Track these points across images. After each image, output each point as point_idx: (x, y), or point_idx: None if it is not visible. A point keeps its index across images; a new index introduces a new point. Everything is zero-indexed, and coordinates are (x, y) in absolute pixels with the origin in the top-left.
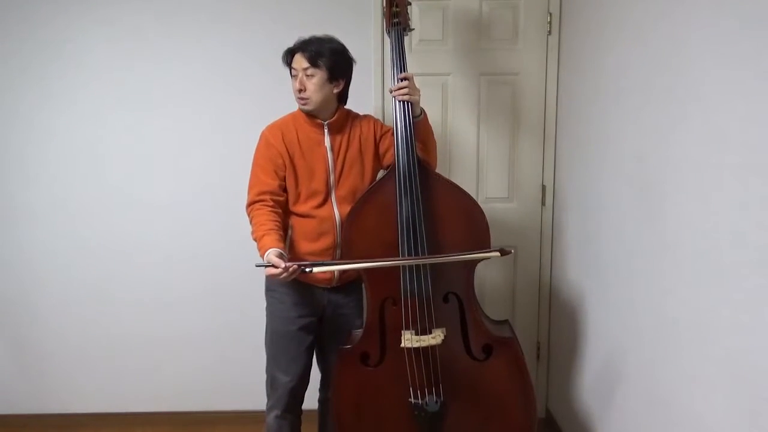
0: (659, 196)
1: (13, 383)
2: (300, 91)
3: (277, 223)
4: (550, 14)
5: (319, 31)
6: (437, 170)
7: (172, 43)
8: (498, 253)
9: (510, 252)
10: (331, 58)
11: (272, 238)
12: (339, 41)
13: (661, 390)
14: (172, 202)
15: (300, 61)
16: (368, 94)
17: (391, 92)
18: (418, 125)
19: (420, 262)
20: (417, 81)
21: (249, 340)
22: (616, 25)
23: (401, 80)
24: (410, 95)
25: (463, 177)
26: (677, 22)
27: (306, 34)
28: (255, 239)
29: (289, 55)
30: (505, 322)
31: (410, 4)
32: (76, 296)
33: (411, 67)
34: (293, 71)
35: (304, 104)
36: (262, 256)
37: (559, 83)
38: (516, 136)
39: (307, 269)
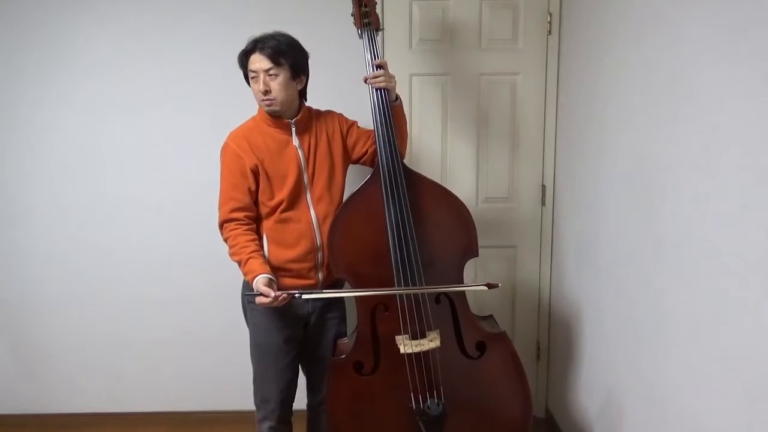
0: (658, 195)
1: (13, 383)
2: (266, 92)
3: (258, 244)
4: (550, 14)
5: (320, 30)
6: (419, 168)
7: (172, 43)
8: (485, 287)
9: (497, 285)
10: (291, 55)
11: (258, 262)
12: (291, 35)
13: (659, 390)
14: (172, 202)
15: (260, 62)
16: (364, 96)
17: (366, 81)
18: (395, 109)
19: (413, 291)
20: (417, 81)
21: (248, 340)
22: (615, 25)
23: (376, 68)
24: (386, 82)
25: (463, 177)
26: (676, 21)
27: (302, 34)
28: (237, 261)
29: (244, 57)
30: (491, 316)
31: (377, 3)
32: (76, 296)
33: (411, 67)
34: (252, 73)
35: (269, 105)
36: (248, 279)
37: (559, 83)
38: (516, 136)
39: (296, 295)
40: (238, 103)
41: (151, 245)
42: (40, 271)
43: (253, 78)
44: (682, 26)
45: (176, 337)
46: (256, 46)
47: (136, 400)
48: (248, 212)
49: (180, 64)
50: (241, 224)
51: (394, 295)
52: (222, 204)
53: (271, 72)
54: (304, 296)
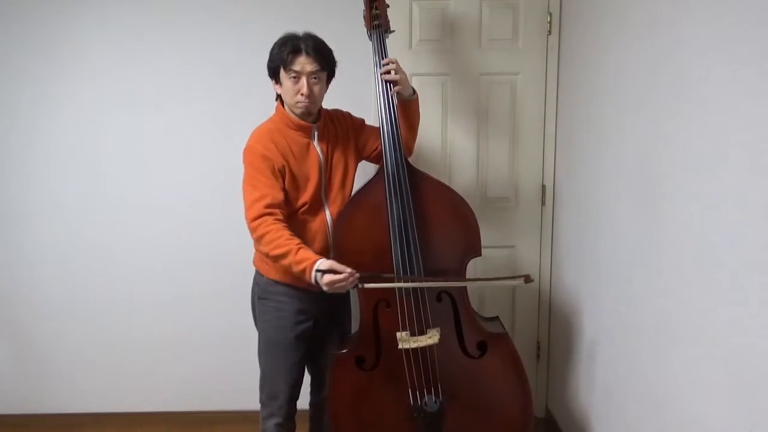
0: (659, 195)
1: (13, 383)
2: (308, 96)
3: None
4: (550, 14)
5: (321, 31)
6: (422, 165)
7: (172, 43)
8: (522, 281)
9: (532, 280)
10: (331, 59)
11: (309, 251)
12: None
13: (660, 390)
14: (172, 203)
15: (307, 64)
16: (368, 94)
17: (380, 75)
18: (411, 104)
19: (486, 283)
20: (417, 81)
21: (248, 340)
22: (615, 24)
23: (385, 64)
24: (398, 75)
25: (463, 177)
26: (677, 21)
27: (301, 31)
28: (282, 253)
29: (289, 55)
30: (496, 318)
31: (388, 6)
32: (76, 296)
33: (411, 67)
34: (294, 73)
35: (306, 107)
36: (303, 267)
37: (559, 83)
38: (516, 136)
39: (361, 284)
40: (239, 103)
41: (151, 245)
42: (40, 271)
43: (293, 78)
44: (682, 26)
45: (176, 337)
46: (303, 46)
47: (135, 400)
48: (283, 210)
49: (180, 65)
50: (279, 220)
51: (396, 292)
52: (255, 200)
53: (316, 75)
54: (367, 286)
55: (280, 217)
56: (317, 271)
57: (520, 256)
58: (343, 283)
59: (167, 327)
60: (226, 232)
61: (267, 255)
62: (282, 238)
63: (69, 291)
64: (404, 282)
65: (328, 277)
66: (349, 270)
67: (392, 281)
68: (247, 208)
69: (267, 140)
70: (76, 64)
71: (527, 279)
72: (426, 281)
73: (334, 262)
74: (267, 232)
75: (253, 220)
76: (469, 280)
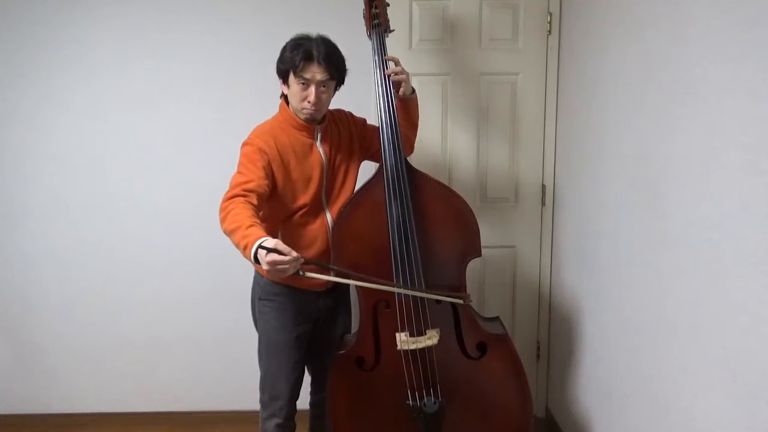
0: (659, 195)
1: (13, 383)
2: (315, 104)
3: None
4: (550, 14)
5: (320, 30)
6: (422, 166)
7: (172, 43)
8: (461, 301)
9: (471, 301)
10: (342, 68)
11: (261, 229)
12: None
13: (660, 390)
14: (172, 203)
15: (318, 72)
16: (367, 93)
17: (388, 77)
18: (411, 103)
19: (418, 294)
20: (416, 81)
21: (248, 340)
22: (615, 24)
23: (388, 63)
24: (404, 77)
25: (463, 177)
26: (677, 21)
27: (303, 31)
28: (234, 228)
29: (303, 61)
30: (497, 318)
31: (389, 5)
32: (76, 296)
33: (411, 67)
34: (303, 80)
35: (310, 114)
36: (246, 244)
37: (559, 83)
38: (516, 136)
39: (303, 272)
40: (239, 103)
41: (151, 245)
42: (40, 271)
43: (302, 84)
44: (682, 26)
45: (176, 338)
46: (315, 54)
47: (136, 400)
48: (260, 199)
49: (181, 64)
50: (249, 202)
51: (395, 293)
52: (238, 183)
53: (325, 84)
54: (309, 274)
55: (254, 201)
56: (261, 247)
57: (520, 256)
58: (286, 266)
59: (167, 327)
60: None
61: (224, 232)
62: (241, 215)
63: (69, 291)
64: (350, 279)
65: (271, 257)
66: (295, 254)
67: (333, 274)
68: (230, 189)
69: (268, 137)
70: (76, 64)
71: (466, 299)
72: (369, 281)
73: (279, 242)
74: (229, 210)
75: (226, 200)
76: (418, 291)
